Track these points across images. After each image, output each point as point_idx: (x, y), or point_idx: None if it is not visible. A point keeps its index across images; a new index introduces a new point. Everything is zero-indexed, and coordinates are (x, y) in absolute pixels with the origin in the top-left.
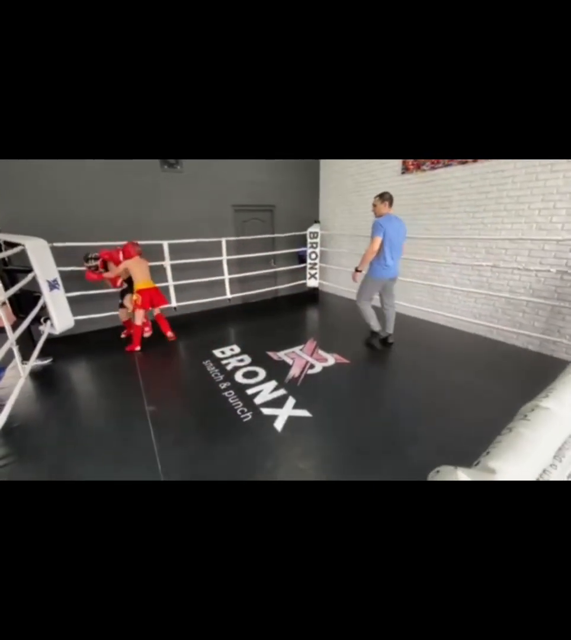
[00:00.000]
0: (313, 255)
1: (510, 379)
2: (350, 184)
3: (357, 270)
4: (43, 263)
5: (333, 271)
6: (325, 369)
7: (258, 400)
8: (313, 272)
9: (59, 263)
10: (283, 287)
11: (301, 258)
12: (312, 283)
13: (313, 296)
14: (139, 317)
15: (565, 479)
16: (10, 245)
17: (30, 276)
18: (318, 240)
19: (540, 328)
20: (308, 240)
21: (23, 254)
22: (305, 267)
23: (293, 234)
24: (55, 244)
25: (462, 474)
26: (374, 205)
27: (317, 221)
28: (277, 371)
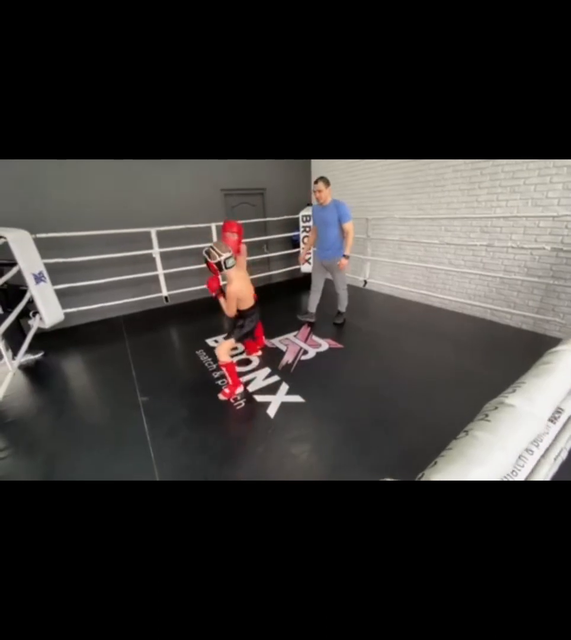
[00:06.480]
0: (305, 240)
1: (502, 358)
2: (342, 164)
3: (347, 257)
4: (27, 255)
5: None
6: (318, 354)
7: (251, 388)
8: (306, 257)
9: (43, 255)
10: (276, 272)
11: (295, 242)
12: (305, 268)
13: (307, 281)
14: None
15: (543, 463)
16: None
17: (15, 269)
18: (311, 223)
19: (534, 307)
20: (301, 224)
21: (6, 247)
22: (298, 252)
23: (285, 217)
24: (38, 235)
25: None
26: (320, 191)
27: (309, 204)
28: (271, 358)
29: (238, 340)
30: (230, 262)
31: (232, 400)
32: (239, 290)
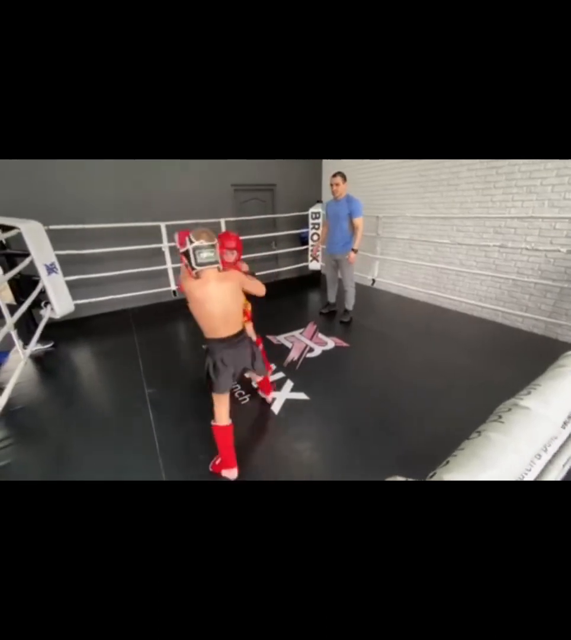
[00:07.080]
0: (315, 237)
1: (511, 362)
2: (353, 161)
3: (356, 251)
4: (39, 246)
5: None
6: (324, 352)
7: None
8: (316, 252)
9: (55, 247)
10: (284, 269)
11: (303, 240)
12: (313, 266)
13: (315, 279)
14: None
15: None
16: (6, 228)
17: (27, 260)
18: (320, 221)
19: (547, 311)
20: (310, 221)
21: (19, 238)
22: (307, 249)
23: (294, 214)
24: (51, 227)
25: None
26: (337, 185)
27: (319, 201)
28: (276, 355)
29: (211, 388)
30: (202, 256)
31: (236, 396)
32: (190, 293)
